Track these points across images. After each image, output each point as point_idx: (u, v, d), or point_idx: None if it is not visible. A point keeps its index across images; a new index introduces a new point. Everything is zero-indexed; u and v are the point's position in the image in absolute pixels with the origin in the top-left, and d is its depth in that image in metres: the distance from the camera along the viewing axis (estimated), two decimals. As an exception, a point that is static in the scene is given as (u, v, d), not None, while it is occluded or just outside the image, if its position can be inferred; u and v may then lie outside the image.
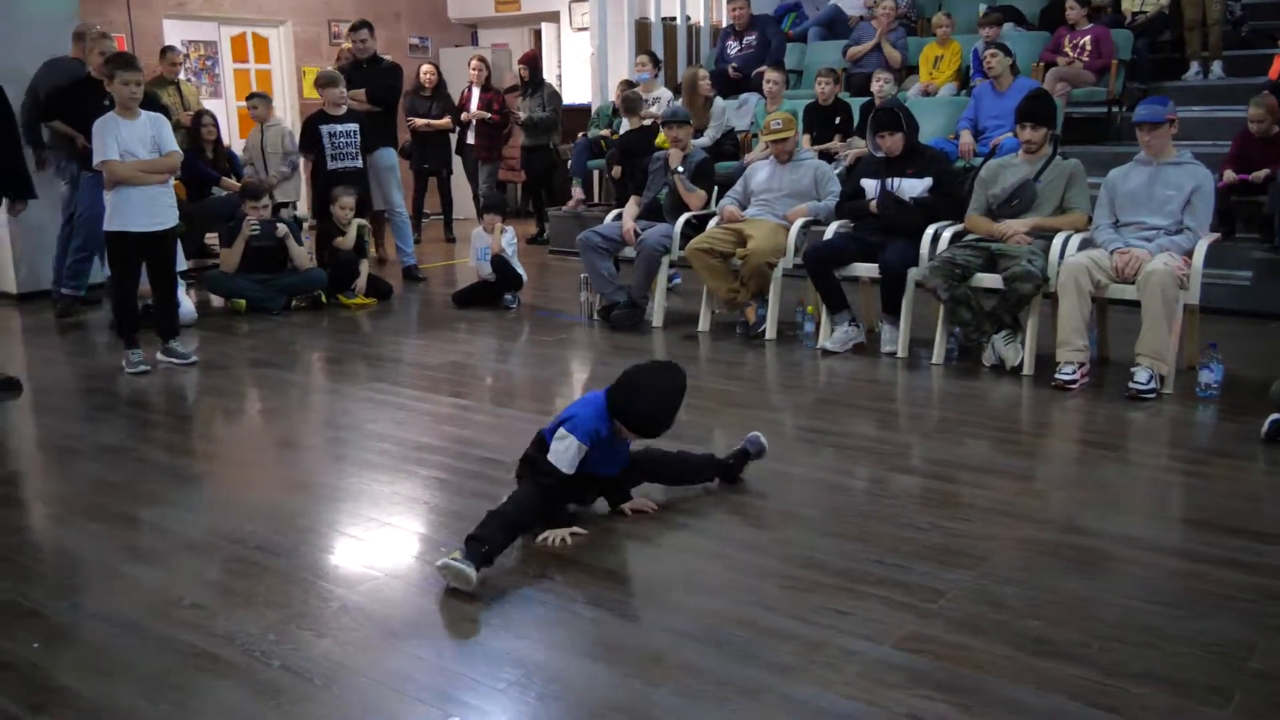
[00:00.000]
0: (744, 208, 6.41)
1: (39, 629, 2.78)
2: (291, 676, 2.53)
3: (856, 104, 8.28)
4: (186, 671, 2.56)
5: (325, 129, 7.70)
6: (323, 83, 7.74)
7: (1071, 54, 8.26)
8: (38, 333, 6.69)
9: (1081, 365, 4.97)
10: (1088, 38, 8.23)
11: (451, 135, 10.32)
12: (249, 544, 3.33)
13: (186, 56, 10.72)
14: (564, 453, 3.27)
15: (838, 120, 8.28)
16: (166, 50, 8.90)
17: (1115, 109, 8.40)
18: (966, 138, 7.48)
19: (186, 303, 6.61)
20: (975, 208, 5.57)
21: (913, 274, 5.56)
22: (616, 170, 8.32)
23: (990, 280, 5.27)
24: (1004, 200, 5.44)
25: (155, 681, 2.52)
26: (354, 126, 7.79)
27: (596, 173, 10.31)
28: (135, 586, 3.07)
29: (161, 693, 2.47)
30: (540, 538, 3.28)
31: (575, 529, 3.33)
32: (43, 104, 6.94)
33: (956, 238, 5.56)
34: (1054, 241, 5.21)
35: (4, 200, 5.63)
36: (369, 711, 2.40)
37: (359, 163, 7.82)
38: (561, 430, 3.30)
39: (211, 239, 7.88)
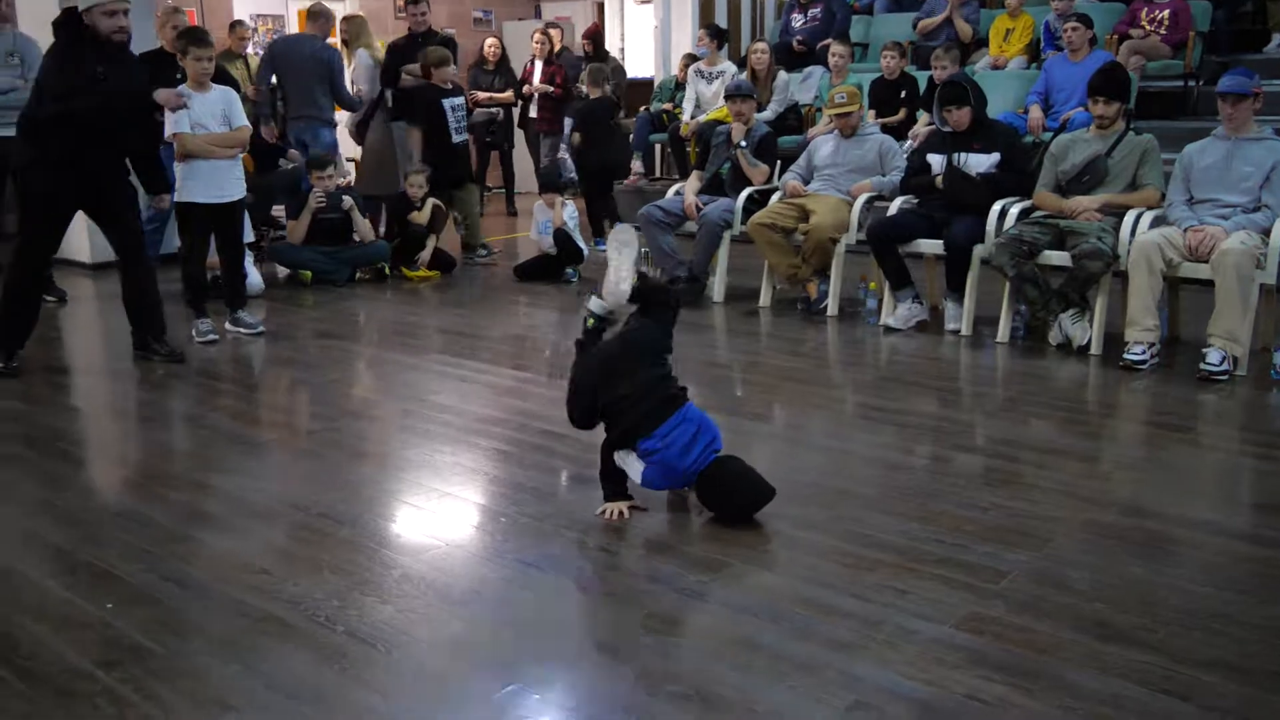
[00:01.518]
0: (807, 183, 6.36)
1: (114, 589, 2.87)
2: (355, 642, 2.58)
3: (923, 78, 8.15)
4: (254, 634, 2.62)
5: (447, 103, 7.81)
6: (436, 61, 7.84)
7: (1148, 26, 8.04)
8: (111, 301, 6.84)
9: (1151, 345, 4.87)
10: (1165, 10, 8.01)
11: (514, 108, 10.34)
12: (314, 512, 3.39)
13: (255, 30, 10.85)
14: (625, 464, 3.32)
15: (903, 94, 8.16)
16: (235, 24, 9.01)
17: (1192, 83, 8.17)
18: (1036, 112, 7.33)
19: (254, 273, 6.73)
20: (1044, 184, 5.47)
21: (978, 251, 5.48)
22: (576, 138, 8.66)
23: (1058, 258, 5.18)
24: (1074, 176, 5.33)
25: (225, 643, 2.58)
26: (463, 99, 8.04)
27: (658, 147, 10.28)
28: (205, 551, 3.14)
29: (231, 654, 2.53)
30: (598, 510, 3.30)
31: (634, 502, 3.34)
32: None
33: (1024, 214, 5.47)
34: (1125, 219, 5.10)
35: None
36: (429, 678, 2.44)
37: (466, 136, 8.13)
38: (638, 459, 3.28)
39: (278, 211, 7.99)
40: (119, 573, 2.97)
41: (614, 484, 3.35)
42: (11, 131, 5.07)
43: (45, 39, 5.10)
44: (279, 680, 2.41)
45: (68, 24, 4.87)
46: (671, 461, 3.23)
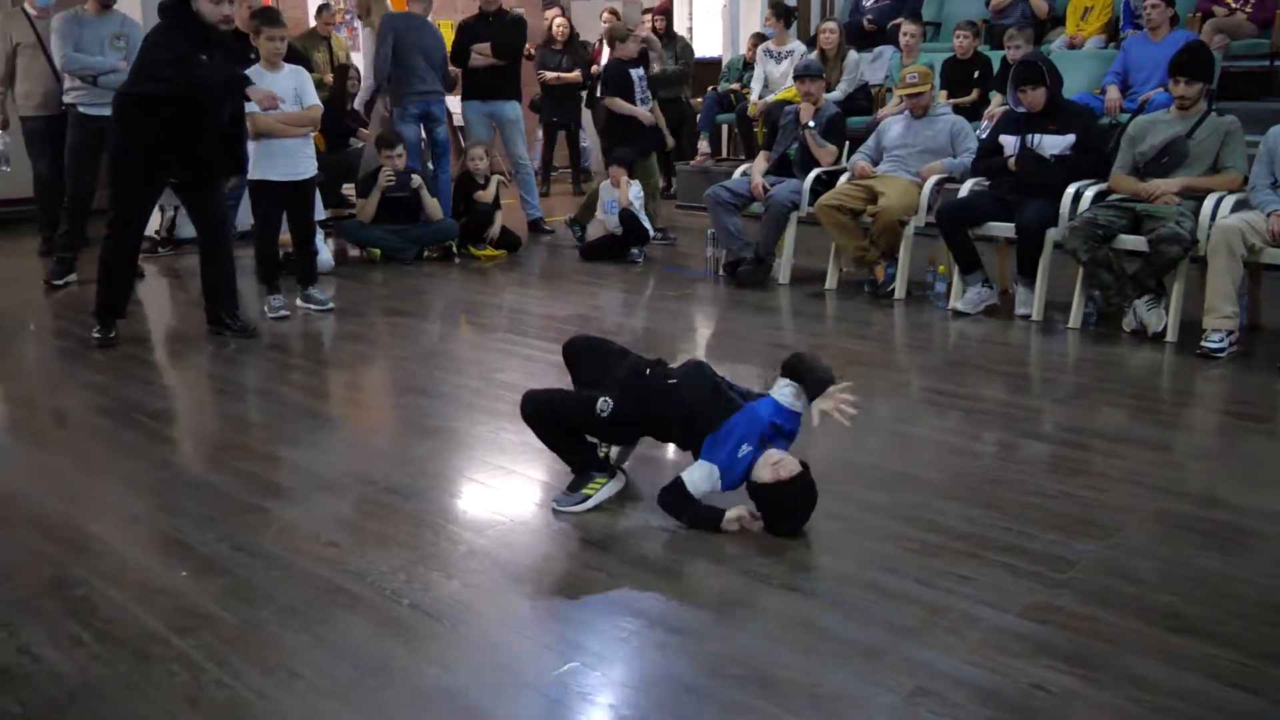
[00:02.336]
0: (876, 164, 6.29)
1: (187, 558, 2.94)
2: (420, 615, 2.62)
3: (996, 57, 8.00)
4: (322, 605, 2.67)
5: (634, 73, 7.88)
6: (620, 35, 7.97)
7: (1232, 4, 7.79)
8: (186, 277, 6.99)
9: (1230, 333, 4.75)
10: (1251, -12, 7.75)
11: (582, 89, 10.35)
12: (381, 486, 3.44)
13: (343, 13, 10.94)
14: (698, 486, 3.09)
15: (976, 75, 8.01)
16: (323, 8, 9.11)
17: (1278, 62, 7.91)
18: (1114, 92, 7.15)
19: (324, 251, 6.83)
20: (1120, 166, 5.35)
21: (1051, 234, 5.38)
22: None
23: (1134, 242, 5.06)
24: (1152, 158, 5.21)
25: (294, 613, 2.64)
26: (642, 70, 8.08)
27: (725, 127, 10.22)
28: (275, 522, 3.21)
29: (300, 623, 2.58)
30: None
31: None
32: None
33: (1099, 197, 5.35)
34: (1205, 202, 4.96)
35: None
36: (493, 653, 2.47)
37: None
38: (704, 463, 3.10)
39: (348, 189, 8.10)
40: (192, 541, 3.05)
41: (700, 516, 3.08)
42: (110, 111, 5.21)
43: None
44: (345, 650, 2.46)
45: (173, 7, 4.97)
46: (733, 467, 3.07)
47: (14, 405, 4.56)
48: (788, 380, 3.20)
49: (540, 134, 10.92)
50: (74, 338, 5.42)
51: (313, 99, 5.73)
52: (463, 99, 8.40)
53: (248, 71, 5.57)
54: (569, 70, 10.13)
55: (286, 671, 2.37)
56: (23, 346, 5.53)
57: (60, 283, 6.57)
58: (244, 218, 7.15)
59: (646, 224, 7.37)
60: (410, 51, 7.78)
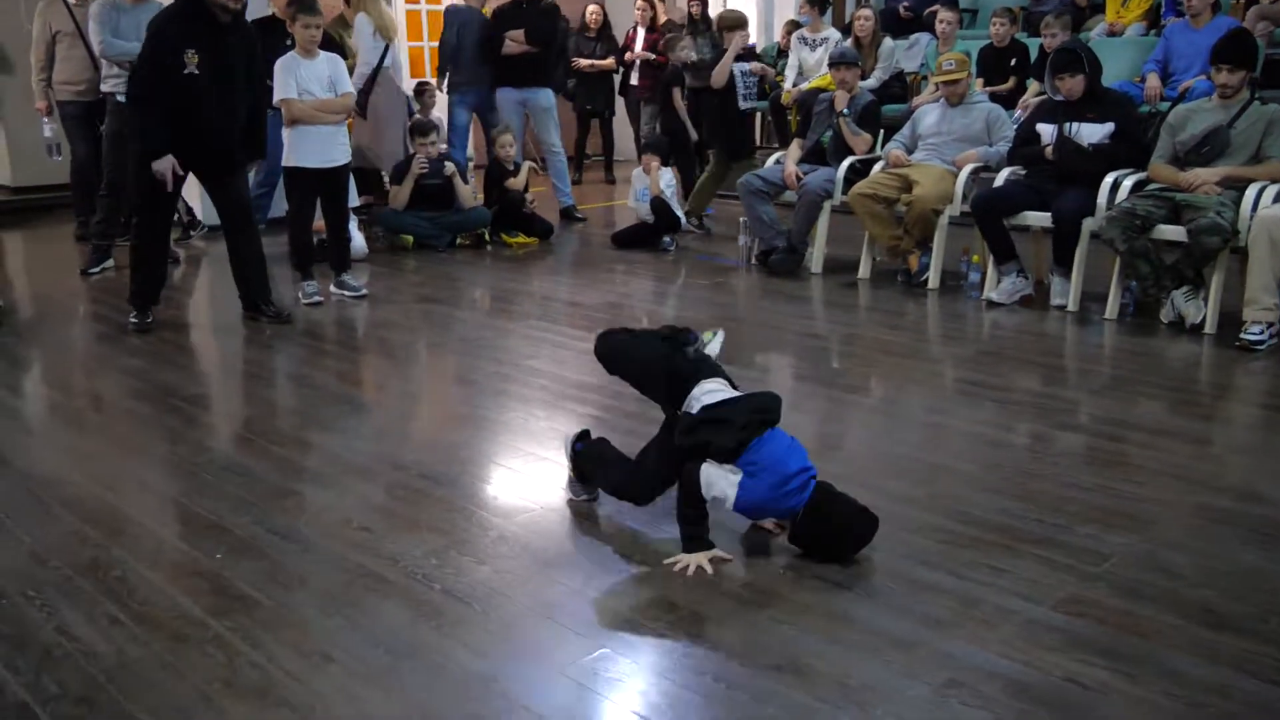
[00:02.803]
0: (911, 152, 6.24)
1: (223, 540, 2.97)
2: (451, 600, 2.63)
3: (1034, 45, 7.91)
4: (355, 589, 2.69)
5: (738, 68, 7.90)
6: (730, 24, 8.00)
7: (1277, -10, 7.66)
8: (221, 262, 7.05)
9: (1271, 325, 4.68)
10: (1296, -27, 7.62)
11: (615, 76, 10.32)
12: (413, 472, 3.46)
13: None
14: (712, 486, 2.80)
15: (1013, 62, 7.93)
16: None
17: (1323, 50, 7.77)
18: (1154, 80, 7.05)
19: (358, 238, 6.86)
20: (1160, 155, 5.27)
21: (1088, 224, 5.32)
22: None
23: (1173, 233, 4.99)
24: (1193, 148, 5.13)
25: (327, 596, 2.66)
26: (749, 66, 8.13)
27: (759, 115, 10.17)
28: (308, 506, 3.23)
29: (334, 607, 2.60)
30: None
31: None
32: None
33: (1138, 187, 5.28)
34: (1247, 193, 4.89)
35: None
36: (522, 639, 2.48)
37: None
38: (733, 471, 2.80)
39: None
40: (228, 524, 3.07)
41: (695, 526, 2.83)
42: None
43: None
44: (378, 634, 2.48)
45: None
46: (777, 468, 2.76)
47: (53, 389, 4.61)
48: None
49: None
50: (111, 323, 5.48)
51: (347, 86, 5.76)
52: (496, 86, 8.40)
53: (283, 59, 5.62)
54: (603, 58, 10.11)
55: (320, 655, 2.39)
56: (62, 332, 5.59)
57: (96, 270, 6.64)
58: (278, 205, 7.22)
59: (679, 212, 7.36)
60: (468, 42, 8.08)
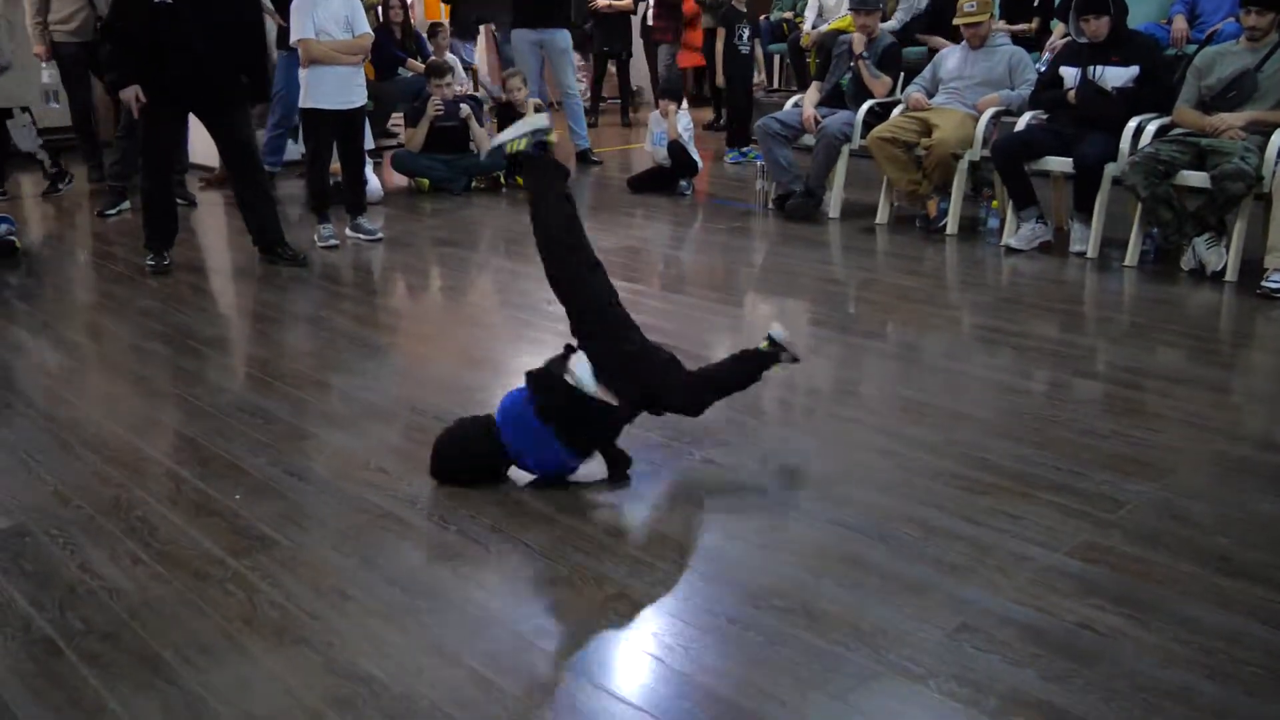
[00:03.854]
0: (931, 95, 6.15)
1: (242, 481, 3.00)
2: (466, 541, 2.66)
3: (1059, -14, 7.76)
4: (373, 530, 2.72)
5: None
6: None
7: (1310, -70, 7.48)
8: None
9: (1293, 273, 4.63)
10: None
11: (633, 16, 10.21)
12: (429, 414, 3.47)
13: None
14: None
15: (1036, 3, 7.78)
16: None
17: (1356, -8, 7.59)
18: (1180, 23, 6.89)
19: (374, 180, 6.84)
20: (1185, 99, 5.19)
21: (1110, 169, 5.25)
22: None
23: (1196, 178, 4.93)
24: (1219, 92, 5.04)
25: (344, 537, 2.68)
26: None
27: (778, 58, 10.05)
28: (326, 448, 3.26)
29: (350, 547, 2.63)
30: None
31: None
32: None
33: (1162, 132, 5.20)
34: (1272, 138, 4.81)
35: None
36: (536, 581, 2.50)
37: None
38: None
39: (397, 119, 8.08)
40: (246, 466, 3.10)
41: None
42: None
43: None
44: (395, 574, 2.50)
45: None
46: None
47: (73, 332, 4.64)
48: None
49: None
50: (129, 265, 5.49)
51: (364, 27, 5.69)
52: (512, 26, 8.32)
53: (299, -1, 5.56)
54: (620, -1, 10.00)
55: (338, 594, 2.42)
56: (80, 274, 5.62)
57: (113, 212, 6.64)
58: (293, 148, 7.19)
59: (695, 156, 7.30)
60: None
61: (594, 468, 2.98)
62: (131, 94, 5.02)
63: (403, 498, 2.89)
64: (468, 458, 2.97)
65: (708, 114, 10.44)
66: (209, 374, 3.96)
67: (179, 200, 6.47)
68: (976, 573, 2.47)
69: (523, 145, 3.19)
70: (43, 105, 7.70)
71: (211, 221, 6.77)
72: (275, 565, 2.54)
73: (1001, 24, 6.93)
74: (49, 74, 7.42)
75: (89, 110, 7.28)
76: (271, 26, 6.80)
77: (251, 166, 5.42)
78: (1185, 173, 4.94)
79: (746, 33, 8.43)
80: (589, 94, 10.73)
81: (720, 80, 8.55)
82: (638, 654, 2.20)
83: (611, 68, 10.96)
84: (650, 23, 10.06)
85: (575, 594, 2.43)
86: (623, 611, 2.34)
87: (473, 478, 2.95)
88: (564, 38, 8.30)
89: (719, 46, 8.47)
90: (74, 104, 7.30)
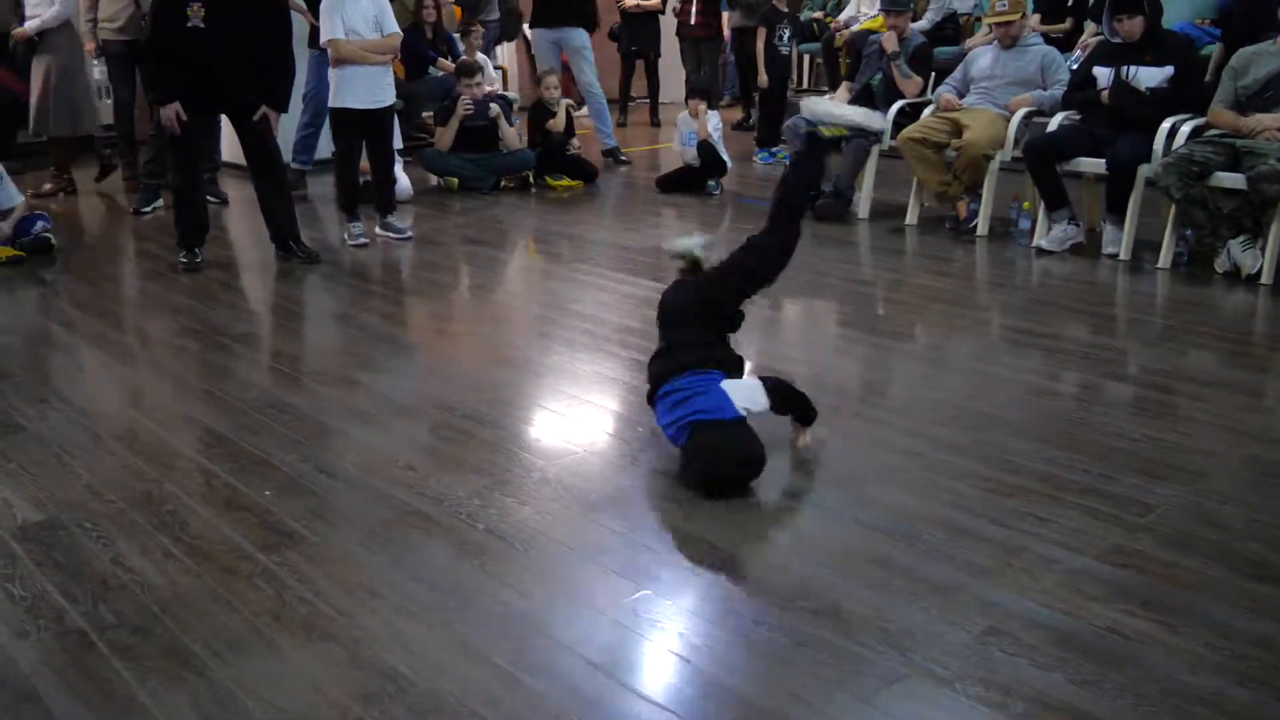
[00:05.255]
0: (962, 96, 6.12)
1: (271, 477, 3.02)
2: (494, 540, 2.67)
3: (1093, -15, 7.69)
4: (400, 527, 2.73)
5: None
6: None
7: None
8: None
9: (1329, 276, 4.57)
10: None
11: (660, 16, 10.19)
12: (457, 412, 3.49)
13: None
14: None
15: (1069, 3, 7.72)
16: None
17: (1396, -9, 7.49)
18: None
19: (403, 179, 6.87)
20: (1221, 100, 5.13)
21: (1143, 170, 5.20)
22: None
23: (1231, 180, 4.87)
24: (1255, 92, 4.98)
25: (372, 533, 2.70)
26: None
27: (808, 57, 10.01)
28: (354, 445, 3.28)
29: (378, 544, 2.65)
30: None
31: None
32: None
33: (1197, 133, 5.15)
34: (1310, 139, 4.75)
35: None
36: (564, 580, 2.51)
37: None
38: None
39: (426, 118, 8.12)
40: (276, 462, 3.13)
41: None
42: None
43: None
44: (422, 572, 2.52)
45: None
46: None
47: (106, 327, 4.69)
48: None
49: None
50: (162, 262, 5.55)
51: (393, 27, 5.73)
52: (531, 25, 8.36)
53: (327, -1, 5.61)
54: (649, -2, 9.98)
55: (366, 590, 2.43)
56: (114, 270, 5.68)
57: (147, 210, 6.72)
58: (324, 146, 7.23)
59: (725, 156, 7.29)
60: None
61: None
62: (171, 112, 5.12)
63: (431, 495, 2.90)
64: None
65: (737, 113, 10.42)
66: (239, 370, 3.99)
67: (210, 198, 6.54)
68: (1004, 575, 2.45)
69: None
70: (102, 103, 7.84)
71: (243, 219, 6.82)
72: (304, 561, 2.56)
73: (1035, 21, 6.88)
74: (100, 70, 7.52)
75: (130, 108, 7.37)
76: (303, 26, 6.85)
77: (270, 164, 5.49)
78: (1220, 174, 4.89)
79: (787, 33, 8.45)
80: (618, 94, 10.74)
81: (763, 80, 8.51)
82: (664, 654, 2.20)
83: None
84: (692, 20, 9.89)
85: (602, 593, 2.43)
86: (649, 611, 2.34)
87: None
88: (579, 36, 8.29)
89: (759, 46, 8.44)
90: (116, 101, 7.41)
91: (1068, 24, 7.60)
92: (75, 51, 7.08)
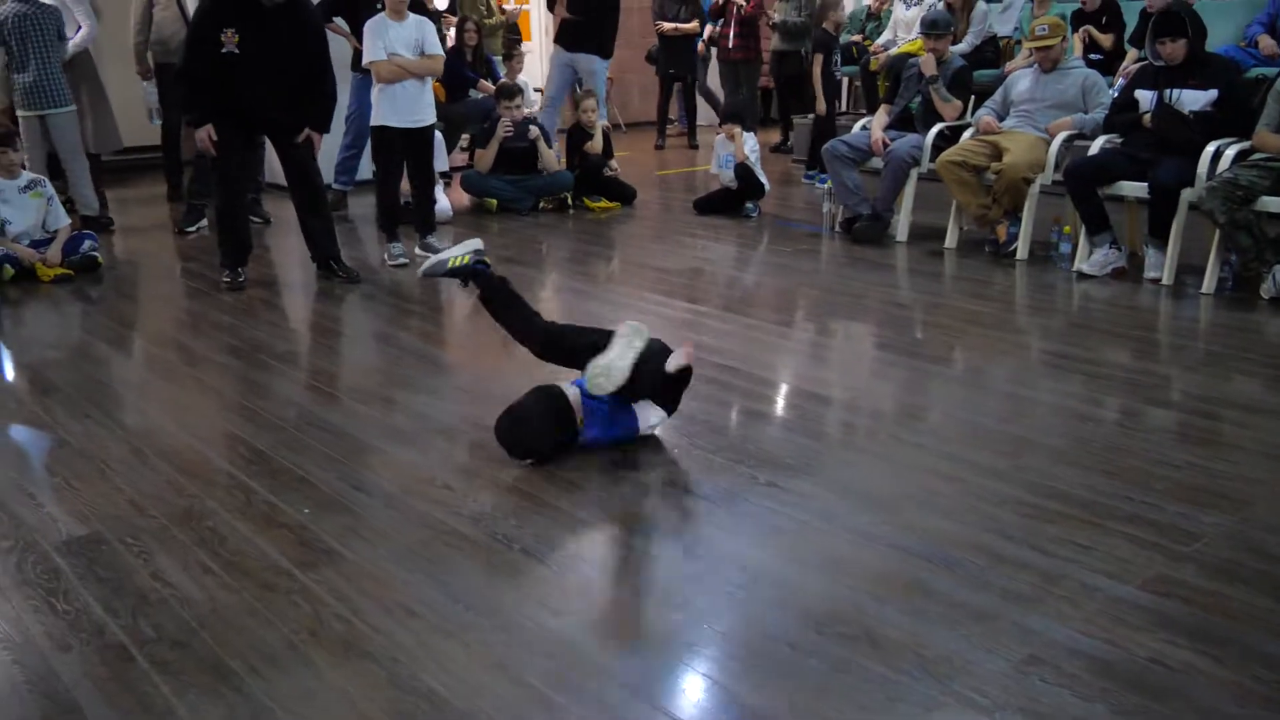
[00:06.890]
0: (1002, 119, 6.09)
1: (310, 495, 3.04)
2: (530, 560, 2.67)
3: (1132, 9, 7.64)
4: (436, 546, 2.74)
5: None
6: (830, 3, 8.47)
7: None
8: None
9: (1378, 302, 4.50)
10: None
11: (699, 40, 10.23)
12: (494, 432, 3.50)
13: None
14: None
15: (1103, 21, 7.66)
16: None
17: None
18: (1267, 42, 6.74)
19: (443, 199, 6.93)
20: (1266, 123, 5.07)
21: (1186, 195, 5.14)
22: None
23: (1276, 204, 4.81)
24: (1302, 115, 4.93)
25: (409, 553, 2.71)
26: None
27: (846, 80, 10.01)
28: (392, 463, 3.30)
29: (414, 563, 2.66)
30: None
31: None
32: (322, 6, 7.34)
33: (1241, 156, 5.09)
34: (1358, 163, 4.69)
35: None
36: (600, 601, 2.50)
37: None
38: None
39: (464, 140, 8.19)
40: (314, 479, 3.15)
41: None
42: None
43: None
44: (458, 591, 2.52)
45: None
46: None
47: (150, 344, 4.76)
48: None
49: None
50: (205, 280, 5.63)
51: (435, 49, 5.80)
52: (554, 41, 8.49)
53: (371, 21, 5.67)
54: (687, 21, 10.02)
55: (404, 610, 2.44)
56: (158, 288, 5.76)
57: (192, 229, 6.82)
58: (365, 167, 7.31)
59: (762, 178, 7.29)
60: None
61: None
62: (205, 134, 5.23)
63: (468, 515, 2.91)
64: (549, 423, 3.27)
65: (774, 136, 10.43)
66: (280, 388, 4.03)
67: (253, 218, 6.63)
68: (1044, 603, 2.42)
69: (465, 261, 3.66)
70: (148, 123, 7.98)
71: (286, 238, 6.90)
72: (341, 579, 2.58)
73: (1078, 39, 6.82)
74: (153, 93, 7.66)
75: (177, 130, 7.49)
76: (345, 49, 6.94)
77: (309, 186, 5.56)
78: (1265, 198, 4.83)
79: (839, 58, 8.51)
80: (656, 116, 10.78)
81: (821, 108, 8.52)
82: (699, 678, 2.19)
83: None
84: (730, 44, 9.89)
85: (636, 615, 2.42)
86: (685, 635, 2.33)
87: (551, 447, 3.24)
88: (592, 61, 8.38)
89: (816, 72, 8.48)
90: (165, 122, 7.55)
91: (1109, 40, 7.51)
92: (95, 72, 7.16)
